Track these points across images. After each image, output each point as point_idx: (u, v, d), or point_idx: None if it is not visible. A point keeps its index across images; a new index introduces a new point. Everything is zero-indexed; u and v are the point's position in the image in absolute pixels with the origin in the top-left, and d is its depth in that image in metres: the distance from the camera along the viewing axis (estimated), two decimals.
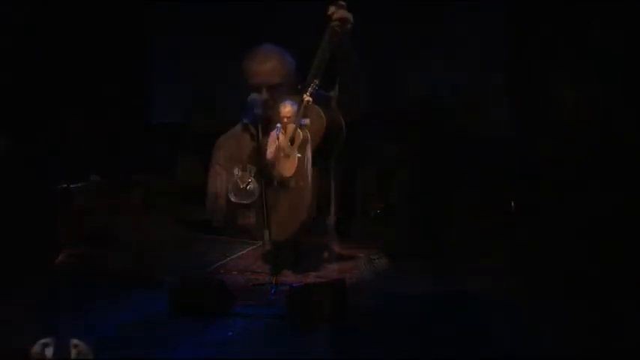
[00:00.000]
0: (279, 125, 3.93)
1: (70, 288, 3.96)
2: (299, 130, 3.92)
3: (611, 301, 3.61)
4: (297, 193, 3.91)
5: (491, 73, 5.44)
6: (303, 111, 3.94)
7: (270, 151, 3.92)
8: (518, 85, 5.44)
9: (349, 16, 4.01)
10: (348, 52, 4.04)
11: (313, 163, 3.95)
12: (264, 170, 3.89)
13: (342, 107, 4.09)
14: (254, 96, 4.00)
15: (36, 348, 3.01)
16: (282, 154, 3.92)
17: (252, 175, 3.88)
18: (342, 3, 4.03)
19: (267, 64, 4.11)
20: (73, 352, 3.00)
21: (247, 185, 3.86)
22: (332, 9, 4.03)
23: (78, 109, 5.58)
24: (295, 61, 4.17)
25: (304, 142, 3.92)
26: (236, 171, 3.89)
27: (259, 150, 3.85)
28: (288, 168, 3.93)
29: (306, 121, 3.90)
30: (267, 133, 3.97)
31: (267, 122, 3.97)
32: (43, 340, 3.03)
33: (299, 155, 3.91)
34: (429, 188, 5.14)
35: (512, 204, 4.98)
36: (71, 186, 5.06)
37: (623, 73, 5.03)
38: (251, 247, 4.38)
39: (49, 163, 5.08)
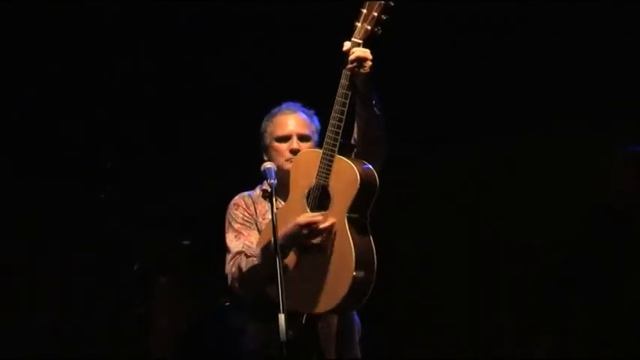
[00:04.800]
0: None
1: None
2: None
3: None
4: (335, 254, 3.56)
5: None
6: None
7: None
8: None
9: (368, 54, 3.53)
10: (369, 98, 3.58)
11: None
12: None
13: (362, 155, 3.68)
14: (268, 165, 3.64)
15: None
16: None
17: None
18: (358, 40, 3.54)
19: (296, 114, 3.82)
20: None
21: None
22: (347, 45, 3.56)
23: None
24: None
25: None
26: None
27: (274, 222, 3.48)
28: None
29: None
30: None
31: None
32: None
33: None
34: None
35: None
36: None
37: None
38: None
39: None
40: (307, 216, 3.57)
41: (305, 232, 3.55)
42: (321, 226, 3.54)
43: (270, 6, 5.69)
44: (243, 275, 3.67)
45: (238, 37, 5.83)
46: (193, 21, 5.81)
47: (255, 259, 3.64)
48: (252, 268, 3.63)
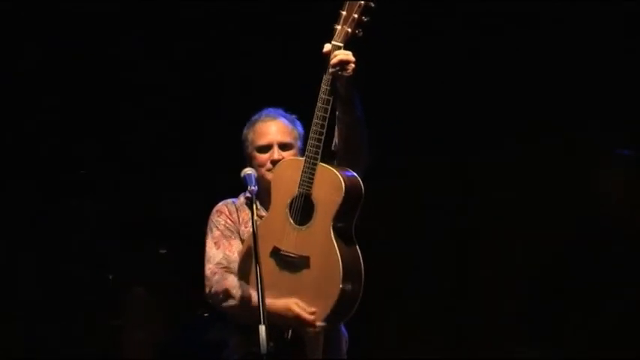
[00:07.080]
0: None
1: None
2: None
3: None
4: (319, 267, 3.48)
5: None
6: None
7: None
8: None
9: (351, 57, 3.44)
10: (351, 101, 3.50)
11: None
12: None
13: (344, 161, 3.60)
14: (248, 171, 3.57)
15: None
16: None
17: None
18: (339, 43, 3.45)
19: (277, 120, 3.73)
20: None
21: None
22: (327, 47, 3.47)
23: None
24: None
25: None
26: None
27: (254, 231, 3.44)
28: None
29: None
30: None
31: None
32: None
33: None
34: None
35: None
36: None
37: None
38: None
39: None
40: (302, 309, 3.48)
41: (292, 321, 3.48)
42: (314, 325, 3.47)
43: (256, 7, 5.62)
44: (222, 303, 3.60)
45: (222, 39, 5.74)
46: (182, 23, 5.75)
47: (234, 301, 3.57)
48: (232, 308, 3.58)
